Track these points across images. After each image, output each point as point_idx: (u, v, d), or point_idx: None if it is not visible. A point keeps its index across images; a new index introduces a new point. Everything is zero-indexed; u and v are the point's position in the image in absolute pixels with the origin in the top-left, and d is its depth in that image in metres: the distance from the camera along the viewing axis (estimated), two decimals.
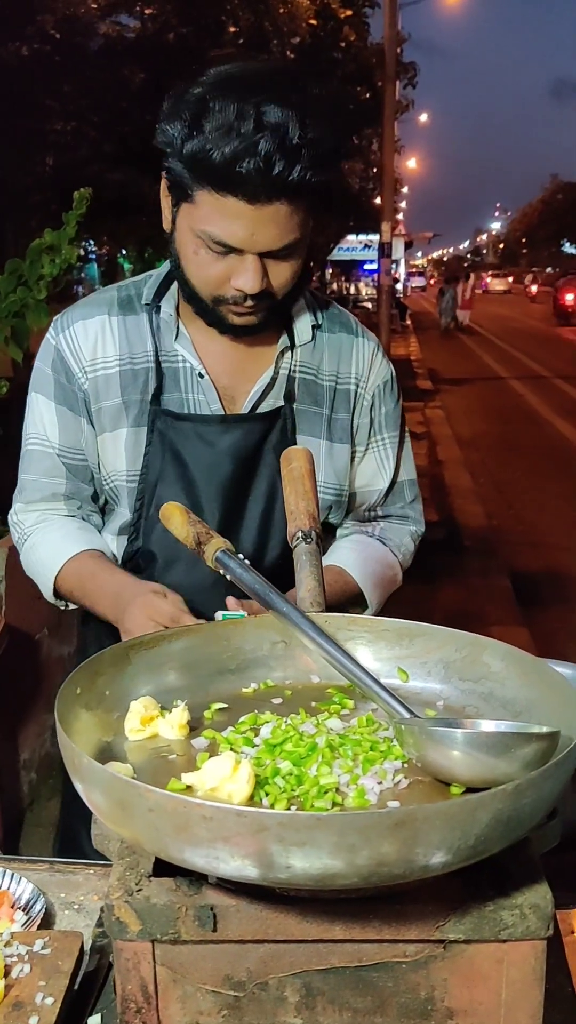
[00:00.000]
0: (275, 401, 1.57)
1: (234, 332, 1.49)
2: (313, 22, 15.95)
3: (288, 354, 1.57)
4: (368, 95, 17.63)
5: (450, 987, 0.89)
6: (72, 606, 1.64)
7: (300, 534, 1.27)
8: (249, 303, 1.41)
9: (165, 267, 1.57)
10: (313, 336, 1.59)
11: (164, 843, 0.81)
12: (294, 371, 1.58)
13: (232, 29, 14.80)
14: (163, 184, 1.42)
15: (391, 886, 0.83)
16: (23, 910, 1.19)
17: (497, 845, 0.81)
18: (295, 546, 1.27)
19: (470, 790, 0.89)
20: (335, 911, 0.87)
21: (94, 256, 25.54)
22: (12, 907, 1.19)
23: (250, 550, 1.54)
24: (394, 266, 20.02)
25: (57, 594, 1.61)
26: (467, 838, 0.78)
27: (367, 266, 40.97)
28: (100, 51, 14.06)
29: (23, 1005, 0.98)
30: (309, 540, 1.26)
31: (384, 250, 16.74)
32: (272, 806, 0.89)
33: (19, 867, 1.28)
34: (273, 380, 1.56)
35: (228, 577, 1.22)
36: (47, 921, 1.20)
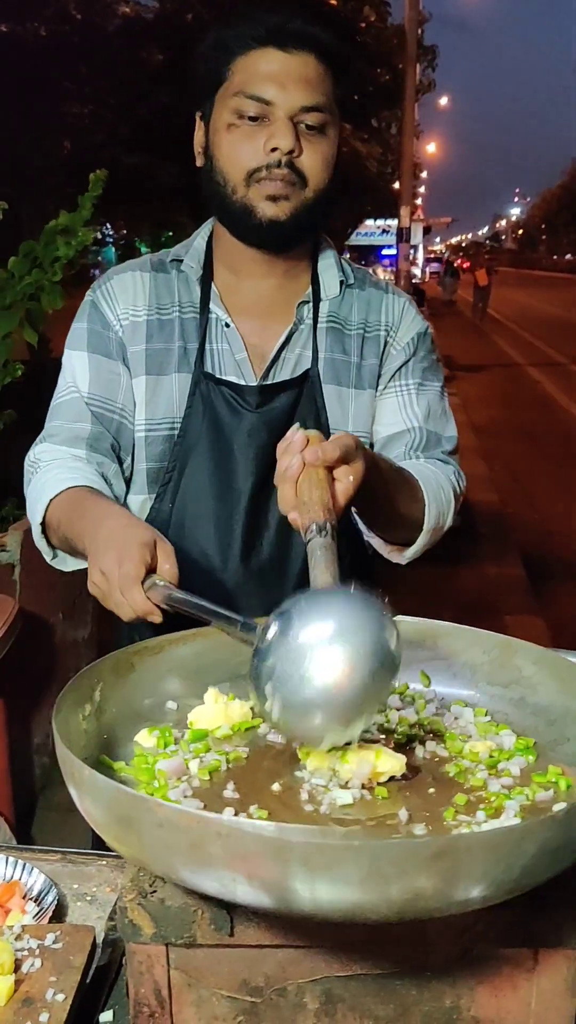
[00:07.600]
0: (301, 351, 1.55)
1: (267, 236, 1.47)
2: (333, 2, 15.75)
3: (309, 307, 1.56)
4: (388, 77, 17.42)
5: (477, 996, 0.86)
6: (64, 563, 1.52)
7: (315, 527, 1.11)
8: (282, 171, 1.42)
9: (199, 233, 1.61)
10: (342, 292, 1.59)
11: (173, 864, 0.76)
12: (321, 322, 1.57)
13: None
14: (197, 124, 1.50)
15: None
16: (35, 901, 1.17)
17: (543, 876, 0.76)
18: (308, 540, 1.12)
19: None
20: None
21: (111, 239, 25.49)
22: (24, 898, 1.17)
23: (280, 522, 1.48)
24: (412, 251, 19.84)
25: (45, 529, 1.47)
26: (511, 870, 0.72)
27: (385, 251, 40.65)
28: (118, 32, 13.94)
29: (33, 1001, 0.96)
30: (324, 533, 1.12)
31: (402, 235, 16.59)
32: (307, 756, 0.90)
33: (31, 857, 1.26)
34: (293, 331, 1.55)
35: (166, 606, 1.15)
36: (59, 912, 1.18)
